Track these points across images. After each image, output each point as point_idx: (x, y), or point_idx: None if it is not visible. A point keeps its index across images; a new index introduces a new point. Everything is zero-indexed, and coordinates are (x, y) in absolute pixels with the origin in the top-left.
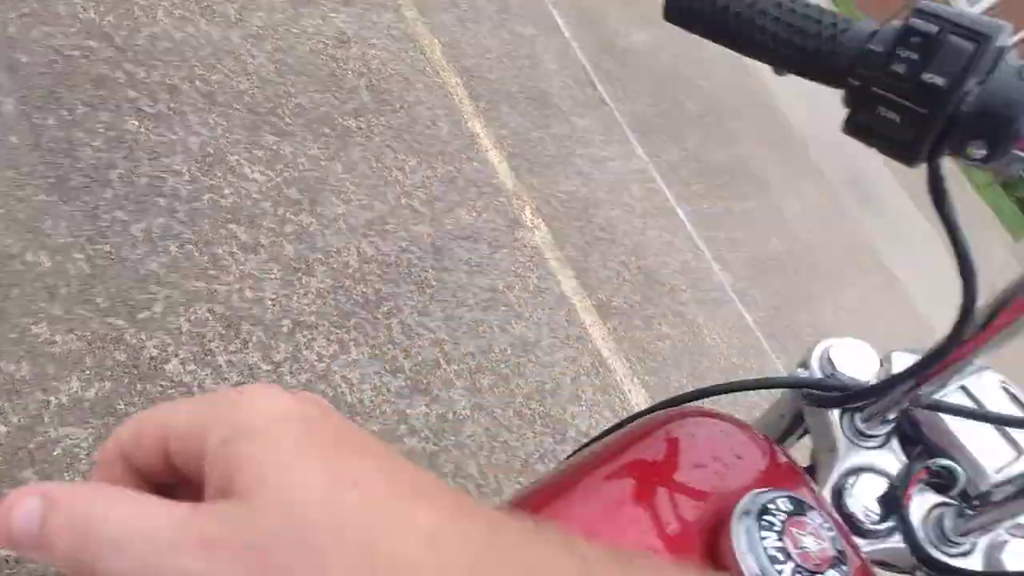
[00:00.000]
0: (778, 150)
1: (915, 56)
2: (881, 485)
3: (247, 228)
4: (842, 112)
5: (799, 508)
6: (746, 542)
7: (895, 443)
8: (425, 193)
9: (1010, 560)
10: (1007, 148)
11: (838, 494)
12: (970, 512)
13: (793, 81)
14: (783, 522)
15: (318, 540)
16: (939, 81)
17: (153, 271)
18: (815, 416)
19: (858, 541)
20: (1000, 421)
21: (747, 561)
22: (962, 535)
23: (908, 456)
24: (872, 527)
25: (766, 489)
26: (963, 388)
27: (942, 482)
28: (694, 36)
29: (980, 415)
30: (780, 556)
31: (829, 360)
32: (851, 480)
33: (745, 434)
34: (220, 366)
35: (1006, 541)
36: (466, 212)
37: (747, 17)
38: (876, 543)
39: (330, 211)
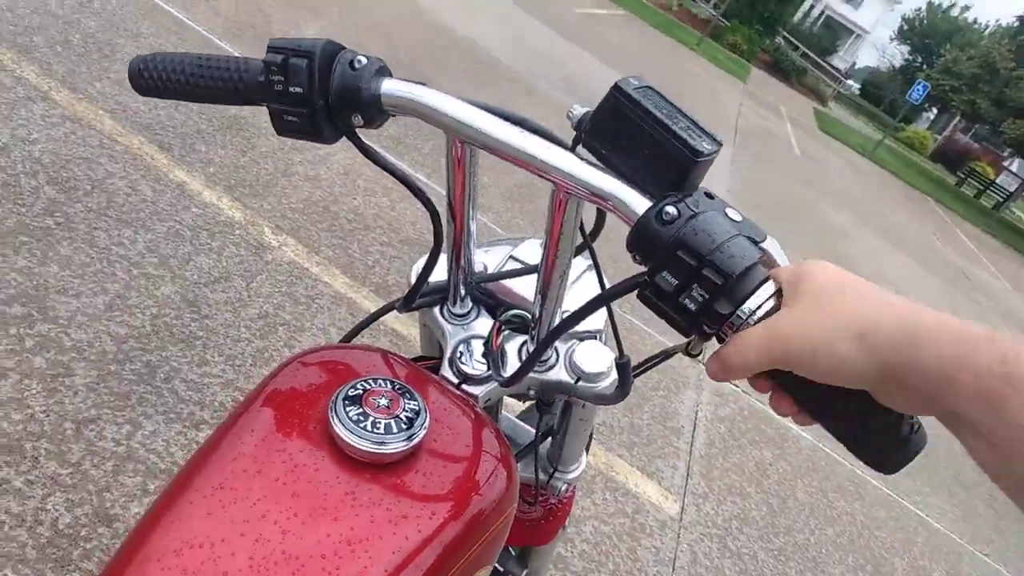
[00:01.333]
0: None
1: (280, 78)
2: (480, 346)
3: None
4: None
5: (374, 384)
6: (337, 420)
7: (483, 312)
8: (155, 257)
9: (582, 357)
10: (374, 115)
11: (454, 363)
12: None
13: None
14: (361, 396)
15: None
16: (300, 89)
17: None
18: (427, 316)
19: (475, 389)
20: (531, 271)
21: (340, 432)
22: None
23: (495, 318)
24: (481, 375)
25: (349, 381)
26: (513, 257)
27: (521, 324)
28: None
29: (521, 272)
30: (361, 418)
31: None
32: (461, 348)
33: (362, 352)
34: (20, 488)
35: (574, 346)
36: (205, 257)
37: (187, 77)
38: (487, 385)
39: (64, 311)
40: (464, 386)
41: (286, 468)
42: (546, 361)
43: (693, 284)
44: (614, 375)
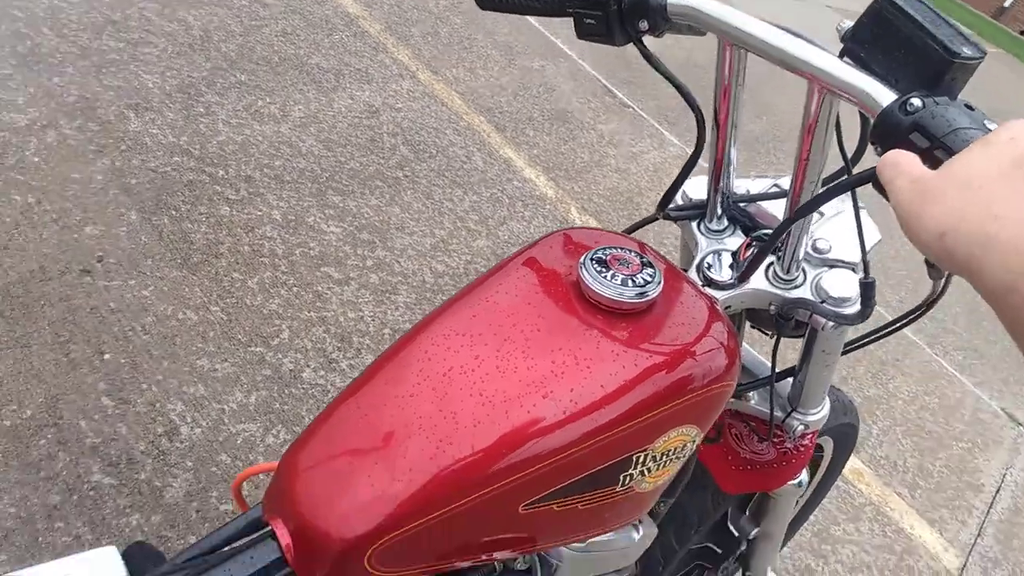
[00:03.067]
0: None
1: None
2: (729, 258)
3: (336, 268)
4: None
5: (622, 252)
6: (584, 271)
7: (738, 231)
8: (476, 215)
9: (830, 283)
10: (659, 22)
11: (701, 269)
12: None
13: None
14: (606, 258)
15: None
16: None
17: (273, 310)
18: (685, 229)
19: (716, 293)
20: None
21: (584, 277)
22: (790, 274)
23: (747, 235)
24: (726, 282)
25: (601, 246)
26: (776, 186)
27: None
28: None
29: (777, 195)
30: (604, 270)
31: (683, 193)
32: (710, 259)
33: (618, 236)
34: (344, 370)
35: (823, 272)
36: (517, 223)
37: None
38: (731, 292)
39: (399, 244)
40: (707, 288)
41: (534, 299)
42: (792, 280)
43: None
44: (858, 301)
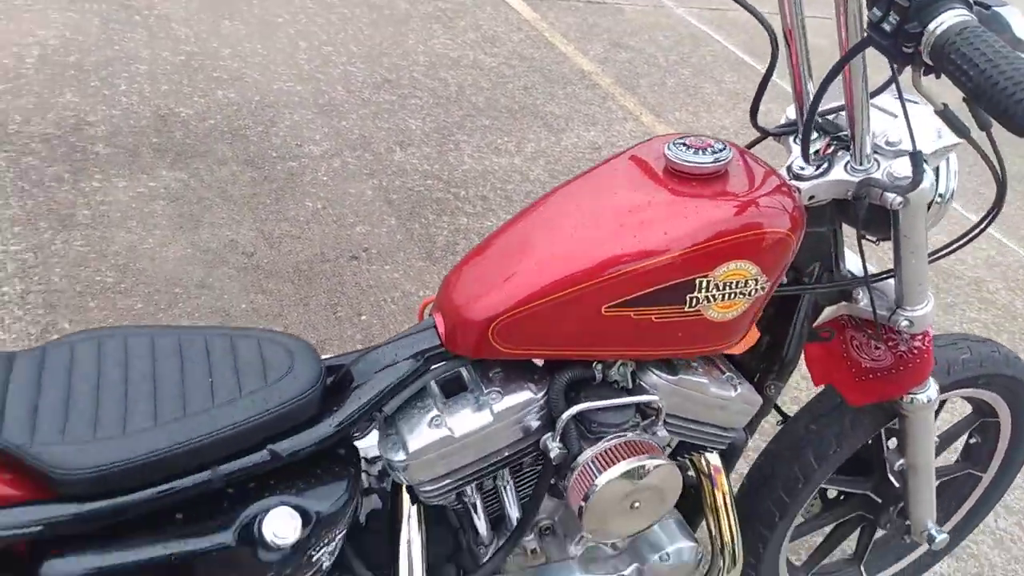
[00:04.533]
0: None
1: None
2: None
3: None
4: None
5: (703, 139)
6: (668, 147)
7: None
8: None
9: (896, 168)
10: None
11: (790, 169)
12: None
13: None
14: (687, 141)
15: None
16: None
17: None
18: (784, 144)
19: (802, 184)
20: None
21: (666, 150)
22: (863, 165)
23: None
24: (810, 174)
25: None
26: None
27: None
28: None
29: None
30: (684, 147)
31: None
32: (799, 161)
33: (714, 139)
34: None
35: (893, 161)
36: None
37: None
38: (813, 182)
39: None
40: (793, 181)
41: (632, 171)
42: (866, 170)
43: (889, 11)
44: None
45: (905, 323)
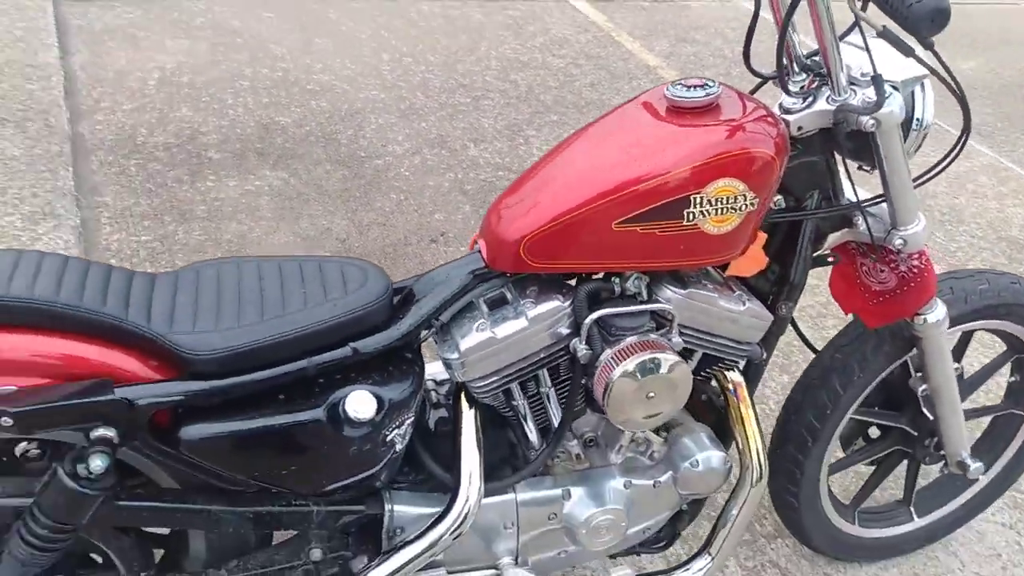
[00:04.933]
0: None
1: None
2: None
3: None
4: None
5: (699, 79)
6: (668, 88)
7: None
8: None
9: (870, 92)
10: None
11: (781, 105)
12: None
13: None
14: (685, 82)
15: None
16: None
17: None
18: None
19: (790, 117)
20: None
21: (667, 92)
22: (842, 95)
23: None
24: (797, 106)
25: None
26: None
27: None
28: None
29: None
30: (681, 86)
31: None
32: (789, 99)
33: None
34: None
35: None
36: None
37: None
38: (800, 113)
39: None
40: (784, 115)
41: (639, 109)
42: (845, 99)
43: None
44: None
45: (900, 242)
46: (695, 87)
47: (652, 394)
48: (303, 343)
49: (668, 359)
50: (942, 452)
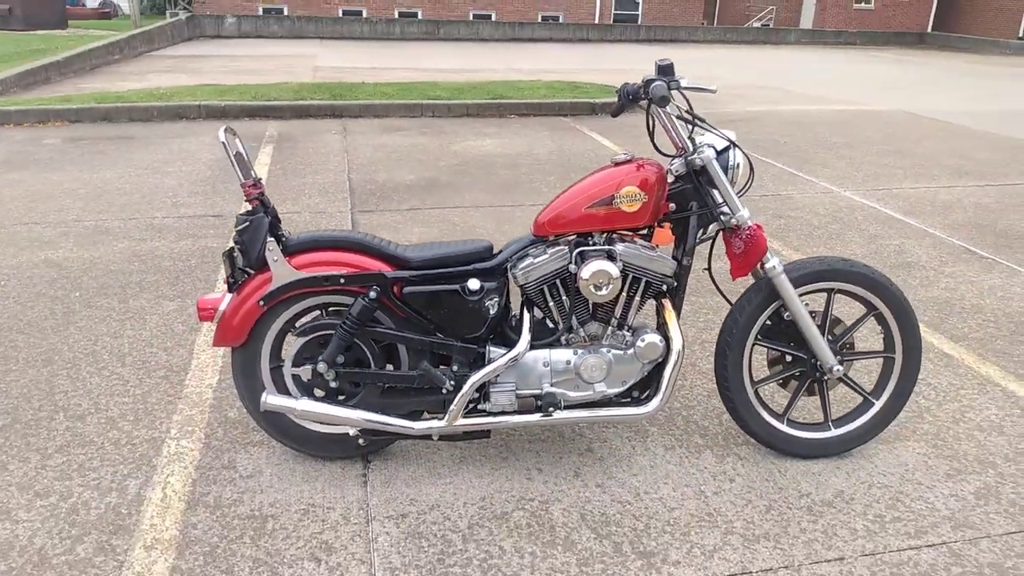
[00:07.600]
0: None
1: None
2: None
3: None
4: None
5: (629, 155)
6: (614, 158)
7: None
8: None
9: (701, 139)
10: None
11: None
12: None
13: None
14: (624, 154)
15: None
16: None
17: None
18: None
19: (672, 167)
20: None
21: (615, 158)
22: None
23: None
24: (673, 164)
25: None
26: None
27: None
28: None
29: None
30: (622, 155)
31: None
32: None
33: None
34: None
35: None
36: None
37: None
38: (673, 164)
39: None
40: (668, 168)
41: (604, 169)
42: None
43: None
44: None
45: (735, 221)
46: (625, 155)
47: (601, 283)
48: (458, 260)
49: (606, 267)
50: (827, 368)
